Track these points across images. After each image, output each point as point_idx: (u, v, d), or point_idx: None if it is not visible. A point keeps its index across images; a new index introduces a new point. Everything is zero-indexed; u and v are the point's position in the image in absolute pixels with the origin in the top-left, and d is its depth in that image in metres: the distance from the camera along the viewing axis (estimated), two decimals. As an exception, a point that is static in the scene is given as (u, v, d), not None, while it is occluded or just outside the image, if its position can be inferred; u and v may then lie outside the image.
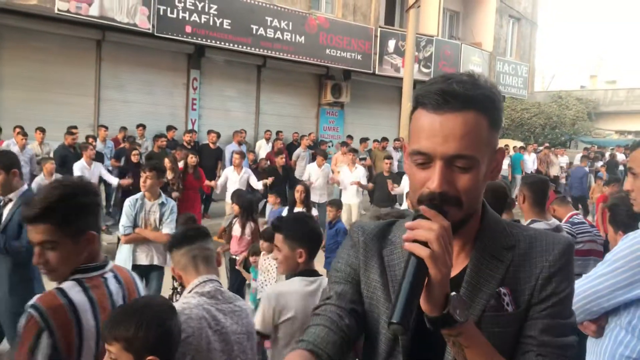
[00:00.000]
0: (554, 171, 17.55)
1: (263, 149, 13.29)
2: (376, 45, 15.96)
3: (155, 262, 5.31)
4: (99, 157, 9.90)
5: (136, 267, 5.31)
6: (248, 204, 6.30)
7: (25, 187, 4.09)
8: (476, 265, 1.20)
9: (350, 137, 15.04)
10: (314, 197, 10.68)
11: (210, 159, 11.53)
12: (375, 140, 14.60)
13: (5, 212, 3.96)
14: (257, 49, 13.67)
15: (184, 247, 2.45)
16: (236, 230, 6.18)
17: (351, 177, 10.52)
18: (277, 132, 13.99)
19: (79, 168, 8.95)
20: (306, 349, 1.13)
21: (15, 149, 9.43)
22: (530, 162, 17.42)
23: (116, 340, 1.77)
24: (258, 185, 9.79)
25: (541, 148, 18.73)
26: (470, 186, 1.13)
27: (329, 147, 14.58)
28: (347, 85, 16.14)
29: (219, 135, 12.26)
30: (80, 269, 1.93)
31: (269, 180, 9.95)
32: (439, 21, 17.31)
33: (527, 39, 22.05)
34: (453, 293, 1.04)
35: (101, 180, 9.57)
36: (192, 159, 9.32)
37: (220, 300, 2.39)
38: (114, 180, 9.56)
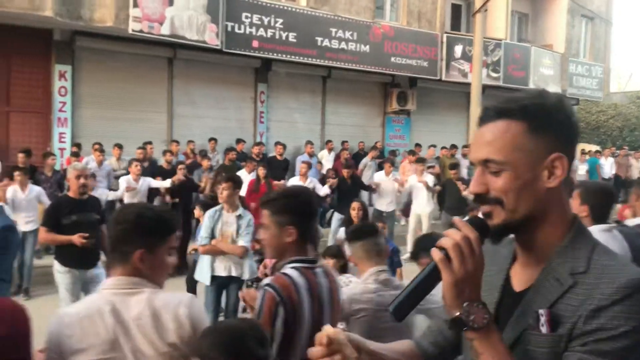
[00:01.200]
0: (633, 175, 16.69)
1: (325, 159, 13.33)
2: (442, 51, 15.73)
3: (233, 274, 5.37)
4: (172, 171, 10.17)
5: (215, 278, 5.40)
6: None
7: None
8: (537, 286, 1.22)
9: (418, 145, 14.85)
10: (382, 206, 10.60)
11: (278, 171, 11.66)
12: (443, 148, 14.35)
13: None
14: (322, 60, 13.75)
15: (360, 240, 3.06)
16: None
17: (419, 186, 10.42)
18: (343, 142, 14.00)
19: (125, 180, 9.24)
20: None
21: (93, 165, 9.86)
22: (608, 166, 16.65)
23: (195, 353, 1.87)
24: (323, 190, 9.80)
25: (619, 152, 17.86)
26: (505, 187, 1.21)
27: (397, 155, 14.42)
28: (413, 93, 15.97)
29: (285, 147, 12.41)
30: (296, 260, 2.37)
31: (333, 182, 9.96)
32: (507, 24, 16.88)
33: (602, 38, 21.13)
34: (469, 302, 1.13)
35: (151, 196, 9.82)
36: (262, 171, 9.43)
37: (389, 287, 3.01)
38: (166, 183, 9.72)
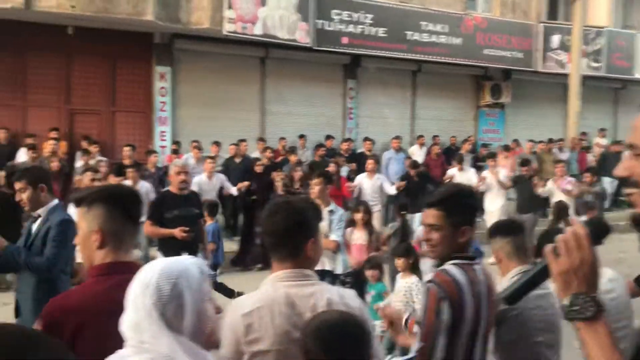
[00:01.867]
0: None
1: (416, 154, 13.16)
2: (538, 41, 15.08)
3: (327, 267, 5.45)
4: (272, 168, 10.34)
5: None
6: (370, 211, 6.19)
7: (55, 202, 3.87)
8: None
9: (515, 140, 14.36)
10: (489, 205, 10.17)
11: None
12: (540, 142, 13.79)
13: (34, 228, 3.79)
14: (412, 55, 13.60)
15: (510, 236, 2.95)
16: (358, 238, 6.03)
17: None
18: (434, 137, 13.79)
19: (197, 182, 8.85)
20: None
21: (192, 162, 10.30)
22: None
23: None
24: (391, 190, 9.60)
25: None
26: None
27: (490, 150, 13.98)
28: (507, 85, 15.44)
29: (373, 143, 12.39)
30: (456, 256, 2.37)
31: (401, 184, 9.73)
32: (611, 10, 15.92)
33: None
34: (575, 293, 1.18)
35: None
36: (352, 166, 9.46)
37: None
38: (233, 190, 9.64)
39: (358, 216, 6.05)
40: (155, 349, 1.38)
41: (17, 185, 3.80)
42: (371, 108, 14.63)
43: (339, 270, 5.46)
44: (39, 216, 3.78)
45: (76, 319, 1.89)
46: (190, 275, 1.46)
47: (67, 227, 3.67)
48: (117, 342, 1.81)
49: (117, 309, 1.76)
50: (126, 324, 1.44)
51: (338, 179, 9.43)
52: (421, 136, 13.75)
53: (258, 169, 9.87)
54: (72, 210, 5.38)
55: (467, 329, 2.29)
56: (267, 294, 1.96)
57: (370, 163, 9.56)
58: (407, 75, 14.91)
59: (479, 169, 11.76)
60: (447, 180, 10.51)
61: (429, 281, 2.32)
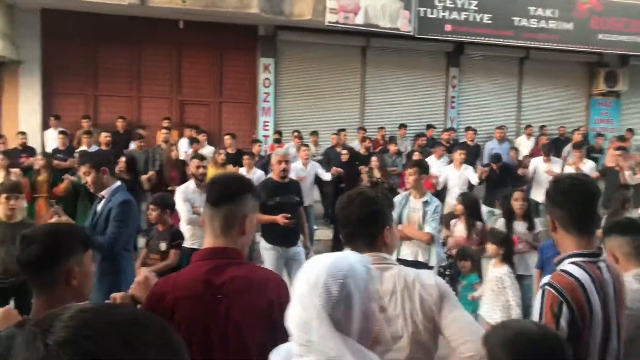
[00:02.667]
0: None
1: (523, 145, 12.63)
2: (661, 24, 13.95)
3: (420, 259, 5.41)
4: (356, 157, 10.41)
5: (400, 261, 5.48)
6: (472, 203, 6.01)
7: (118, 183, 4.11)
8: None
9: (630, 130, 13.43)
10: (538, 197, 9.52)
11: (469, 157, 11.34)
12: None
13: (99, 208, 4.04)
14: (519, 41, 13.04)
15: (629, 235, 2.80)
16: (460, 230, 5.92)
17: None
18: (541, 127, 13.18)
19: (293, 168, 8.65)
20: None
21: (292, 150, 10.53)
22: None
23: None
24: (473, 179, 9.20)
25: None
26: None
27: (604, 141, 13.14)
28: (624, 72, 14.42)
29: (475, 132, 12.06)
30: (575, 254, 2.17)
31: (484, 171, 9.26)
32: None
33: None
34: None
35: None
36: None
37: None
38: (327, 176, 9.62)
39: (459, 208, 5.97)
40: (323, 349, 1.36)
41: (82, 169, 4.09)
42: (474, 97, 14.23)
43: (432, 262, 5.40)
44: (103, 197, 4.03)
45: (172, 301, 1.99)
46: (357, 274, 1.43)
47: (128, 208, 3.95)
48: (208, 326, 1.92)
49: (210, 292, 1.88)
50: (294, 322, 1.42)
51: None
52: (529, 126, 13.19)
53: (344, 157, 9.85)
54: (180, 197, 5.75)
55: (599, 330, 2.08)
56: None
57: (459, 153, 9.31)
58: (513, 63, 14.34)
59: (594, 160, 11.11)
60: (526, 172, 10.01)
61: (546, 284, 2.12)
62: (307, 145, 9.66)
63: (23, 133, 10.24)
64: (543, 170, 9.71)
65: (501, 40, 12.89)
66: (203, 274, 2.02)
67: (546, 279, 2.15)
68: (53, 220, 3.97)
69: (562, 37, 13.23)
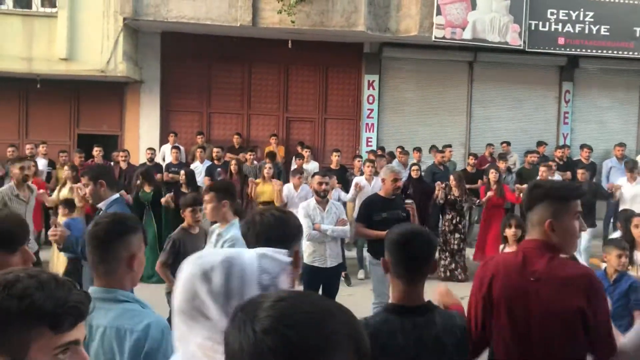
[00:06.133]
0: None
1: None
2: None
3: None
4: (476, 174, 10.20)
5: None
6: None
7: (115, 196, 4.19)
8: None
9: None
10: None
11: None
12: None
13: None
14: (640, 53, 12.25)
15: None
16: None
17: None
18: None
19: (357, 179, 8.81)
20: None
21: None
22: None
23: None
24: None
25: None
26: None
27: None
28: None
29: (591, 150, 11.40)
30: None
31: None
32: None
33: None
34: None
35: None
36: (567, 175, 8.83)
37: None
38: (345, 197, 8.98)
39: (510, 232, 5.40)
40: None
41: (82, 181, 4.34)
42: (590, 112, 13.50)
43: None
44: (100, 209, 4.12)
45: None
46: None
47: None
48: None
49: None
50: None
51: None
52: (650, 143, 12.33)
53: (414, 173, 9.36)
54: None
55: None
56: None
57: (580, 173, 8.85)
58: (634, 76, 13.46)
59: None
60: (613, 192, 9.15)
61: None
62: (373, 161, 9.24)
63: (151, 149, 10.81)
64: (628, 191, 8.90)
65: (620, 52, 12.16)
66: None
67: None
68: (50, 231, 4.04)
69: (689, 48, 12.27)
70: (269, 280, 1.28)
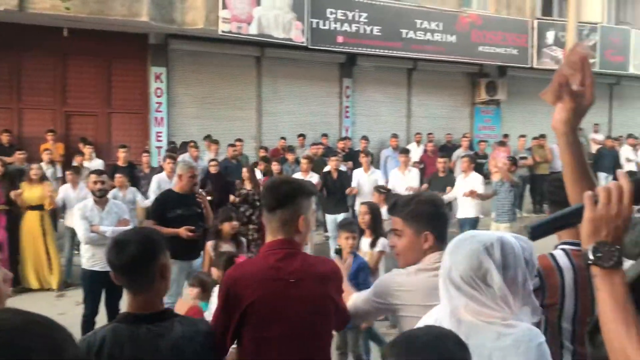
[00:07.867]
0: None
1: (414, 152, 13.14)
2: (533, 38, 15.14)
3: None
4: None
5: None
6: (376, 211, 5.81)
7: None
8: None
9: (506, 135, 14.37)
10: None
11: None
12: (534, 138, 13.82)
13: None
14: (407, 53, 13.62)
15: None
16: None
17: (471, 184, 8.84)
18: (428, 134, 13.77)
19: (157, 180, 8.46)
20: None
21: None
22: None
23: None
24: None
25: None
26: None
27: (487, 147, 13.97)
28: (502, 82, 15.48)
29: (368, 140, 12.33)
30: (567, 242, 2.30)
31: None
32: (604, 6, 15.96)
33: None
34: (601, 241, 1.20)
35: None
36: (349, 164, 9.44)
37: None
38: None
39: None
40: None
41: None
42: (367, 106, 14.65)
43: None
44: None
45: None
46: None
47: None
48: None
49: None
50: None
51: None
52: (418, 134, 13.77)
53: (212, 169, 9.26)
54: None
55: (570, 317, 2.24)
56: None
57: (365, 160, 9.45)
58: (402, 74, 14.94)
59: (479, 165, 11.67)
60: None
61: None
62: (174, 158, 8.86)
63: None
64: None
65: (390, 51, 13.39)
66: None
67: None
68: None
69: (446, 49, 14.00)
70: (529, 256, 1.61)
